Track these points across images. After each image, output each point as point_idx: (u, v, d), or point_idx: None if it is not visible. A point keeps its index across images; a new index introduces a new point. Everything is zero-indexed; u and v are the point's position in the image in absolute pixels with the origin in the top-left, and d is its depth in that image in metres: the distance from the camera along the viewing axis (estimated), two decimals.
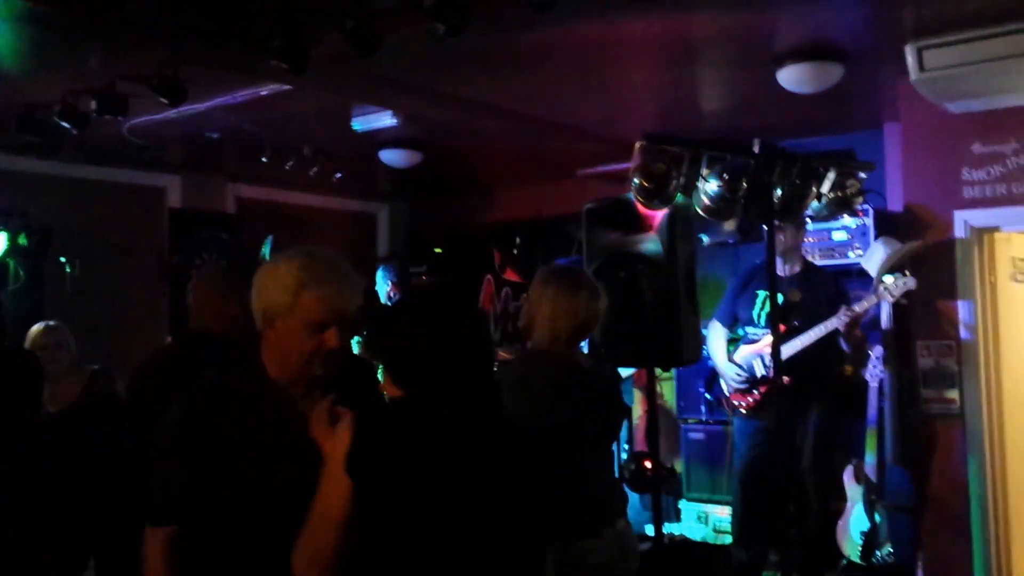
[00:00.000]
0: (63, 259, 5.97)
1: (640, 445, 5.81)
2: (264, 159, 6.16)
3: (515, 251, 7.07)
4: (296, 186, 7.30)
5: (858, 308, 4.64)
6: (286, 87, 4.75)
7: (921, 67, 4.16)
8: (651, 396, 4.11)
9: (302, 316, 2.01)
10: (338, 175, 6.77)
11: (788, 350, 4.70)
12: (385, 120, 5.51)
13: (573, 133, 5.90)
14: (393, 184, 7.82)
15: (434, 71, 4.73)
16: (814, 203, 4.20)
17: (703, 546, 5.33)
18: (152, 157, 6.50)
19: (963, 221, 4.74)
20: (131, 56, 4.32)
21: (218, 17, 3.87)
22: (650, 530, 4.87)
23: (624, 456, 5.42)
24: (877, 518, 4.73)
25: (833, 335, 4.75)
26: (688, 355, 3.96)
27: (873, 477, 4.77)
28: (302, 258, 2.05)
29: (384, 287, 6.58)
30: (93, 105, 4.59)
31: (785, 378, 4.34)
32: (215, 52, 4.24)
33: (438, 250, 7.40)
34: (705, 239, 5.25)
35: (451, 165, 6.86)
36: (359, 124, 5.62)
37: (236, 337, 2.92)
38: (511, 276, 7.14)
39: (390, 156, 6.18)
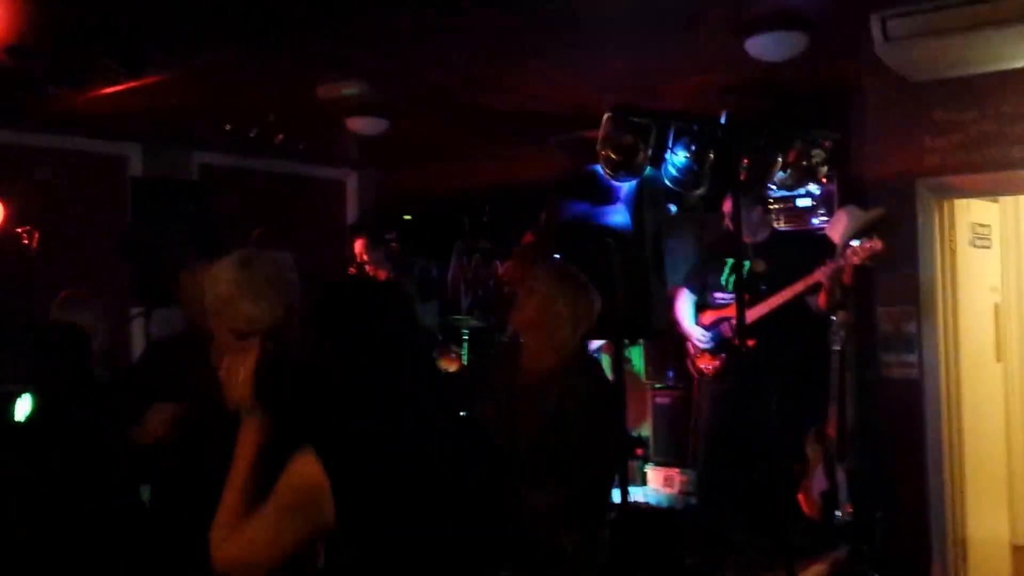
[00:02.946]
0: (21, 230, 5.86)
1: None
2: (227, 126, 6.07)
3: (484, 218, 7.07)
4: (262, 153, 7.22)
5: (842, 261, 4.64)
6: (248, 53, 4.69)
7: (885, 36, 4.18)
8: (618, 367, 4.17)
9: (229, 325, 2.11)
10: (304, 142, 6.70)
11: (761, 310, 4.77)
12: (351, 87, 5.46)
13: (544, 101, 5.88)
14: (362, 151, 7.75)
15: (400, 38, 4.69)
16: (780, 172, 4.25)
17: (668, 512, 5.43)
18: (112, 125, 6.39)
19: (924, 188, 4.80)
20: (91, 24, 4.23)
21: None
22: (616, 498, 4.94)
23: None
24: (837, 479, 4.83)
25: (798, 300, 4.81)
26: (656, 326, 4.03)
27: (834, 439, 4.86)
28: (233, 271, 2.13)
29: (373, 255, 6.36)
30: (47, 76, 4.49)
31: (750, 341, 4.41)
32: (174, 18, 4.17)
33: (407, 217, 7.38)
34: (673, 208, 5.29)
35: (420, 132, 6.82)
36: (324, 91, 5.56)
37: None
38: (481, 244, 7.14)
39: (357, 123, 6.12)
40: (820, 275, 4.66)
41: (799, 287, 4.72)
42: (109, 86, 5.15)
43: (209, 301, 2.12)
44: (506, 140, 7.07)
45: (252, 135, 6.24)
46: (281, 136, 6.32)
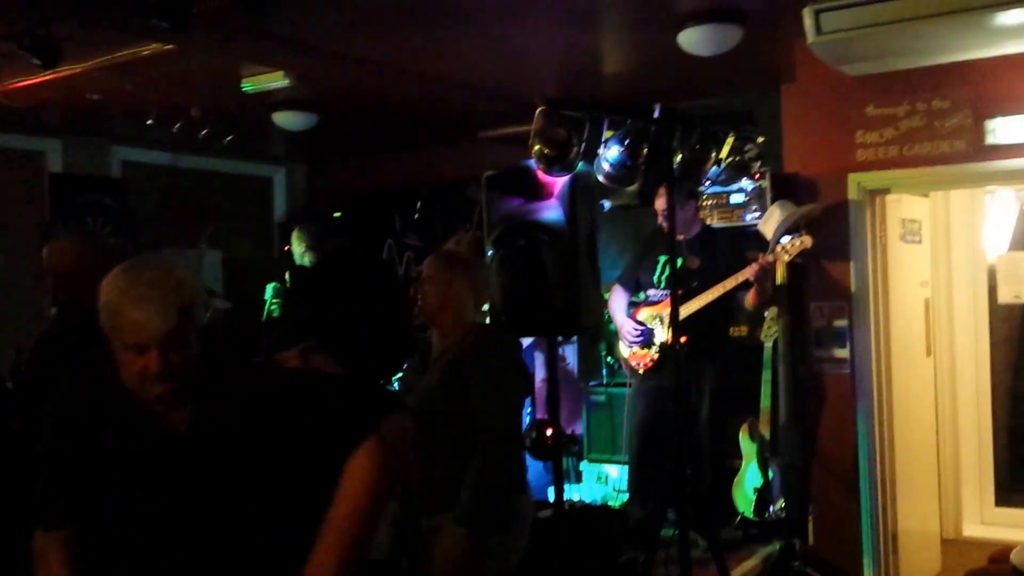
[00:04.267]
0: None
1: (541, 411, 5.82)
2: (149, 121, 5.88)
3: (416, 215, 6.96)
4: (185, 149, 7.02)
5: (771, 257, 4.65)
6: (169, 47, 4.52)
7: (818, 30, 4.17)
8: (551, 364, 4.10)
9: (121, 338, 1.91)
10: (229, 137, 6.52)
11: (691, 307, 4.75)
12: (277, 81, 5.31)
13: (475, 94, 5.79)
14: (289, 146, 7.58)
15: (329, 29, 4.57)
16: (713, 168, 4.23)
17: (602, 510, 5.39)
18: (30, 120, 6.15)
19: (856, 183, 4.83)
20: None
21: None
22: (551, 496, 4.89)
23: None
24: (770, 474, 4.83)
25: (729, 296, 4.80)
26: (587, 323, 3.95)
27: (767, 435, 4.86)
28: (119, 278, 1.94)
29: (299, 250, 6.34)
30: None
31: (682, 338, 4.38)
32: (89, 9, 3.99)
33: (337, 214, 7.23)
34: (607, 204, 5.24)
35: (349, 127, 6.68)
36: (250, 85, 5.40)
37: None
38: (413, 241, 7.03)
39: (284, 118, 5.96)
40: (749, 272, 4.66)
41: (729, 285, 4.72)
42: (24, 79, 4.94)
43: (102, 317, 1.94)
44: (437, 136, 6.97)
45: (175, 130, 6.04)
46: (206, 131, 6.13)
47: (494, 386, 3.06)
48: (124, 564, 1.94)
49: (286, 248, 6.62)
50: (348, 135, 6.95)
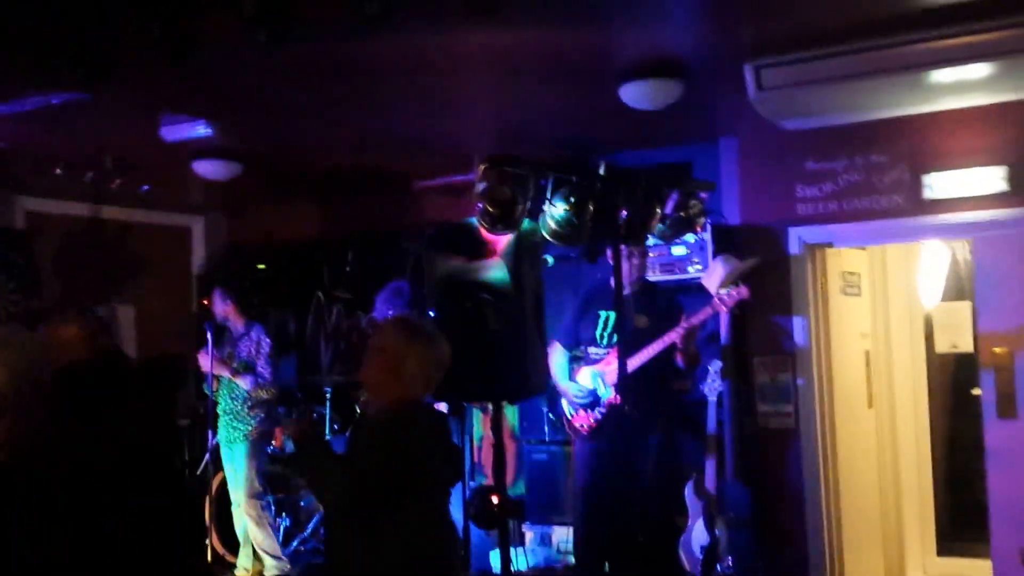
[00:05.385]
0: None
1: (486, 473, 5.63)
2: (58, 171, 5.55)
3: (347, 267, 6.71)
4: (97, 199, 6.65)
5: (694, 320, 4.64)
6: (83, 95, 4.26)
7: (759, 86, 4.18)
8: (497, 430, 3.92)
9: None
10: (145, 187, 6.21)
11: (631, 364, 4.63)
12: (198, 130, 5.05)
13: (409, 146, 5.62)
14: (209, 195, 7.25)
15: (257, 80, 4.36)
16: (659, 225, 4.14)
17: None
18: None
19: (797, 237, 4.85)
20: None
21: None
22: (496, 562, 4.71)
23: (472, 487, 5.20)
24: (717, 532, 4.74)
25: (671, 351, 4.71)
26: (535, 386, 3.82)
27: (713, 491, 4.77)
28: None
29: (222, 307, 5.98)
30: None
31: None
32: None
33: (261, 266, 6.93)
34: (550, 260, 5.12)
35: (275, 176, 6.41)
36: (169, 134, 5.12)
37: None
38: (342, 293, 6.77)
39: (205, 167, 5.67)
40: (675, 336, 4.63)
41: (656, 347, 4.65)
42: None
43: None
44: (369, 185, 6.75)
45: (87, 180, 5.71)
46: (120, 181, 5.81)
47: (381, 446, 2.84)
48: None
49: (204, 302, 6.28)
50: (273, 183, 6.69)
